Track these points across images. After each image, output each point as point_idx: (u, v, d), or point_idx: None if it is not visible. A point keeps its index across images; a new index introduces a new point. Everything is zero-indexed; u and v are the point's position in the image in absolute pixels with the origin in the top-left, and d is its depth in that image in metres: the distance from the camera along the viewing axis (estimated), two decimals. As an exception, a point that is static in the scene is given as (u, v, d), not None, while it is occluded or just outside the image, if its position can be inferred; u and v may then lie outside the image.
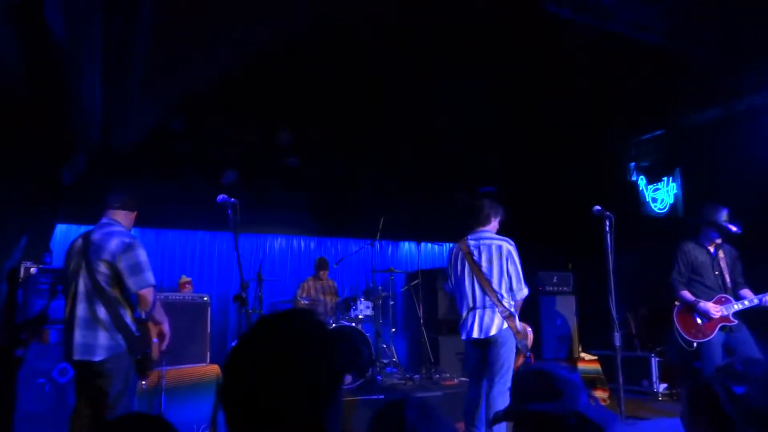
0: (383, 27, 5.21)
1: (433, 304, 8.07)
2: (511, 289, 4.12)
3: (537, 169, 8.37)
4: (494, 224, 4.35)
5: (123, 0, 3.76)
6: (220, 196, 3.81)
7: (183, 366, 5.03)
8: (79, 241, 3.51)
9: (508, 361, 3.97)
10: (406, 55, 5.74)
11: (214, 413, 4.97)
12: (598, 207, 4.07)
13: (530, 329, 4.25)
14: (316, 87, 6.30)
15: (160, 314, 3.54)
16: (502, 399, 3.74)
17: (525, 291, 4.17)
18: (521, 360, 4.04)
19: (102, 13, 3.79)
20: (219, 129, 7.00)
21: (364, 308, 6.95)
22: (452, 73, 6.08)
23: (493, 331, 4.00)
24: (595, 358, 6.69)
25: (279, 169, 7.52)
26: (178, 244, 7.92)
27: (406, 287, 8.21)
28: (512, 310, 4.11)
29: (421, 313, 7.60)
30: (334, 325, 6.64)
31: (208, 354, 5.35)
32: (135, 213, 3.75)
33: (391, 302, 7.58)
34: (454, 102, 6.62)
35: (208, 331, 5.44)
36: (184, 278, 6.83)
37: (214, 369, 5.19)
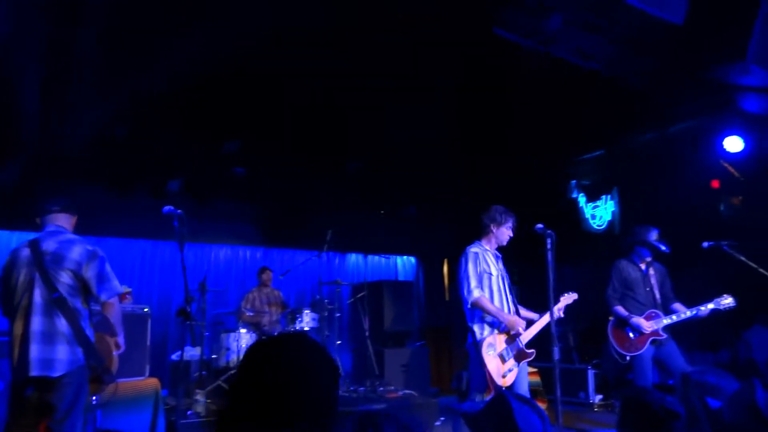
0: (331, 40, 5.25)
1: (379, 317, 8.12)
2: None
3: (482, 185, 8.58)
4: (491, 233, 4.45)
5: (65, 5, 3.67)
6: (166, 207, 3.73)
7: (120, 380, 4.88)
8: (26, 251, 3.30)
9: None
10: (354, 69, 5.80)
11: (152, 428, 4.84)
12: (540, 225, 4.21)
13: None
14: (264, 97, 6.28)
15: (119, 325, 3.43)
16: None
17: (468, 297, 4.27)
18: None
19: (44, 16, 3.68)
20: (164, 137, 6.86)
21: (309, 320, 6.93)
22: (401, 90, 6.19)
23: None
24: (535, 370, 6.89)
25: (225, 178, 7.42)
26: (117, 252, 7.68)
27: (352, 299, 8.23)
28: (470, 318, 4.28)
29: (366, 326, 7.64)
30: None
31: (148, 367, 5.21)
32: (76, 217, 3.63)
33: (338, 314, 7.57)
34: (402, 118, 6.72)
35: (148, 343, 5.30)
36: (124, 288, 6.62)
37: (154, 382, 5.06)
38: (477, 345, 4.21)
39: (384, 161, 8.09)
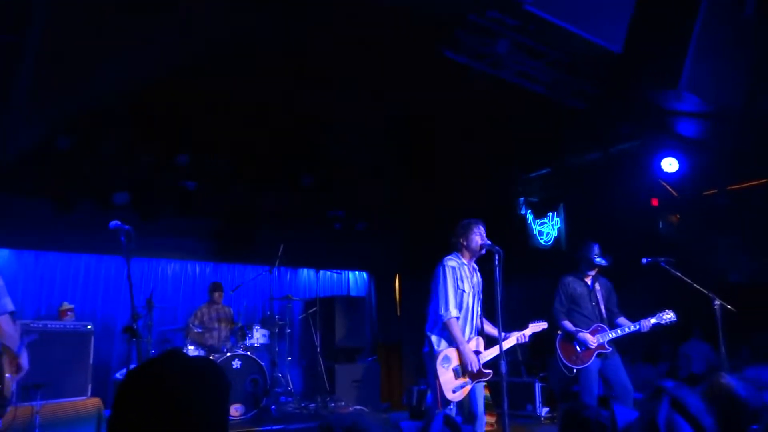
0: (284, 55, 5.29)
1: (330, 332, 8.09)
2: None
3: (434, 202, 8.72)
4: (463, 247, 4.46)
5: (7, 14, 3.57)
6: (113, 222, 3.64)
7: (61, 400, 4.71)
8: None
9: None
10: (307, 84, 5.84)
11: (94, 450, 4.68)
12: (488, 242, 4.32)
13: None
14: (215, 110, 6.23)
15: (17, 345, 3.26)
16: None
17: (444, 315, 4.25)
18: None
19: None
20: (109, 149, 6.70)
21: (259, 336, 6.85)
22: (353, 106, 6.26)
23: None
24: (485, 384, 7.01)
25: (175, 192, 7.29)
26: (59, 267, 7.39)
27: (304, 315, 8.18)
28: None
29: (318, 341, 7.60)
30: (228, 353, 6.49)
31: (90, 387, 5.04)
32: None
33: (288, 330, 7.51)
34: (353, 134, 6.80)
35: (91, 362, 5.13)
36: (66, 305, 6.41)
37: (96, 402, 4.91)
38: (432, 355, 4.24)
39: (336, 176, 8.13)
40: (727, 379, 2.46)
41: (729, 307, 4.97)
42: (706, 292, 5.04)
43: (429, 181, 8.57)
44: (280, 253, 7.10)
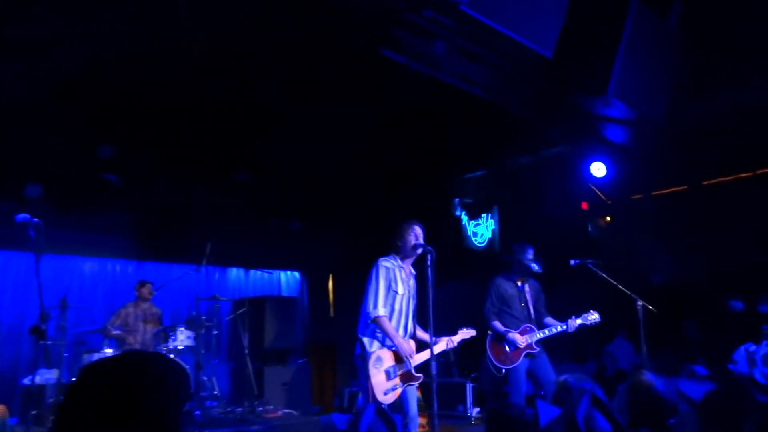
0: (216, 48, 5.19)
1: (260, 334, 7.99)
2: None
3: (369, 202, 8.78)
4: (399, 248, 4.46)
5: None
6: (20, 215, 3.46)
7: (-40, 408, 4.43)
8: None
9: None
10: (240, 79, 5.76)
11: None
12: (421, 242, 4.39)
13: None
14: (141, 100, 6.03)
15: None
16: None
17: (371, 312, 4.28)
18: None
19: None
20: (21, 138, 6.36)
21: (184, 338, 6.68)
22: (288, 103, 6.22)
23: None
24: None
25: (94, 185, 6.99)
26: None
27: (232, 315, 8.04)
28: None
29: (246, 343, 7.49)
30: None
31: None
32: None
33: (215, 331, 7.37)
34: (288, 130, 6.75)
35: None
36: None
37: (1, 410, 4.64)
38: (365, 357, 4.26)
39: (268, 173, 8.04)
40: (647, 377, 2.63)
41: (650, 308, 5.26)
42: (629, 293, 5.32)
43: (365, 180, 8.61)
44: (207, 252, 6.95)
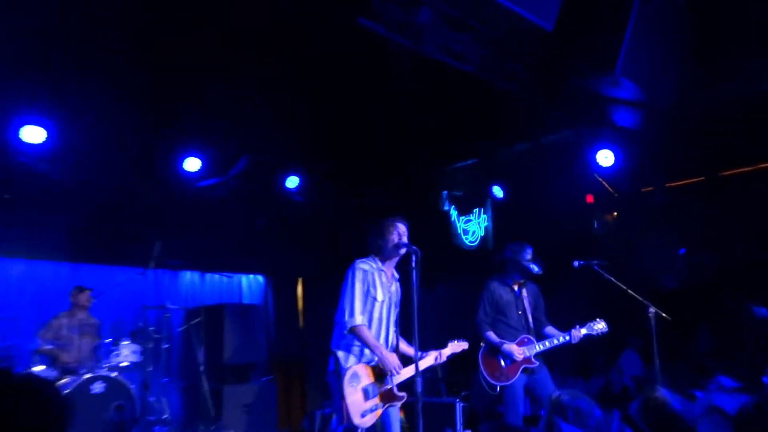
0: (169, 22, 5.18)
1: (217, 347, 7.96)
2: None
3: (345, 195, 8.77)
4: (379, 248, 4.46)
5: None
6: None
7: None
8: None
9: None
10: (205, 56, 5.75)
11: None
12: (405, 241, 4.41)
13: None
14: (75, 72, 5.97)
15: None
16: None
17: (348, 321, 4.27)
18: None
19: None
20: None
21: (129, 353, 6.65)
22: (254, 80, 6.20)
23: None
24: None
25: (21, 178, 6.87)
26: None
27: (185, 326, 8.00)
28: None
29: (202, 358, 7.46)
30: (87, 375, 6.24)
31: None
32: None
33: (166, 345, 7.31)
34: (254, 114, 6.73)
35: None
36: None
37: None
38: (339, 374, 4.26)
39: (229, 163, 8.01)
40: (662, 393, 2.68)
41: (664, 315, 5.35)
42: (640, 298, 5.40)
43: (339, 171, 8.61)
44: (156, 252, 6.89)
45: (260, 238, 8.98)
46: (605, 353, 8.72)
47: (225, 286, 9.49)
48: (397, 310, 4.55)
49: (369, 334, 4.29)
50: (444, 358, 4.73)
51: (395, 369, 4.25)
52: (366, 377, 4.28)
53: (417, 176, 9.25)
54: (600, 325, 5.40)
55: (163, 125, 7.19)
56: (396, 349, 4.47)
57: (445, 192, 9.74)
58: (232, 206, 8.37)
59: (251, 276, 9.94)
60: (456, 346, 4.84)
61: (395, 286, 4.60)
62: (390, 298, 4.51)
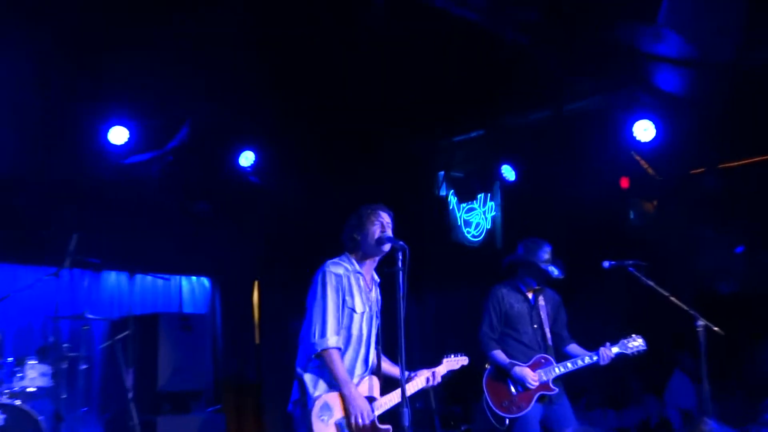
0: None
1: (150, 368, 7.93)
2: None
3: (315, 174, 8.74)
4: (357, 245, 4.40)
5: None
6: None
7: None
8: None
9: None
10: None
11: None
12: (389, 235, 4.36)
13: None
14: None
15: None
16: None
17: (317, 343, 4.22)
18: None
19: None
20: None
21: (36, 375, 6.59)
22: (201, 29, 6.18)
23: None
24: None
25: None
26: None
27: (109, 342, 7.94)
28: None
29: (130, 383, 7.41)
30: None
31: None
32: None
33: (84, 366, 7.25)
34: (198, 73, 6.71)
35: None
36: None
37: None
38: (305, 403, 4.25)
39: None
40: (710, 427, 2.69)
41: (716, 329, 5.35)
42: (686, 308, 5.40)
43: (307, 146, 8.56)
44: (72, 247, 6.83)
45: (206, 231, 8.95)
46: (643, 378, 8.76)
47: (160, 290, 9.47)
48: (379, 322, 4.53)
49: (340, 365, 4.25)
50: (439, 379, 4.71)
51: (362, 415, 4.23)
52: (340, 409, 4.26)
53: (405, 153, 9.22)
54: (636, 342, 5.41)
55: (82, 86, 7.13)
56: (377, 370, 4.45)
57: (442, 173, 9.71)
58: (170, 189, 8.31)
59: (194, 278, 9.93)
60: (453, 362, 4.82)
61: (376, 293, 4.58)
62: (370, 308, 4.48)
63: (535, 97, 8.26)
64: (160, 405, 7.88)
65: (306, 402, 4.26)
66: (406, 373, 4.13)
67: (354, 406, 4.21)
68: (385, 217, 4.48)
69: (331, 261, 4.45)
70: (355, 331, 4.39)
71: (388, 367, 4.51)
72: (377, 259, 4.53)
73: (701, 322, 5.33)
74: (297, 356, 4.41)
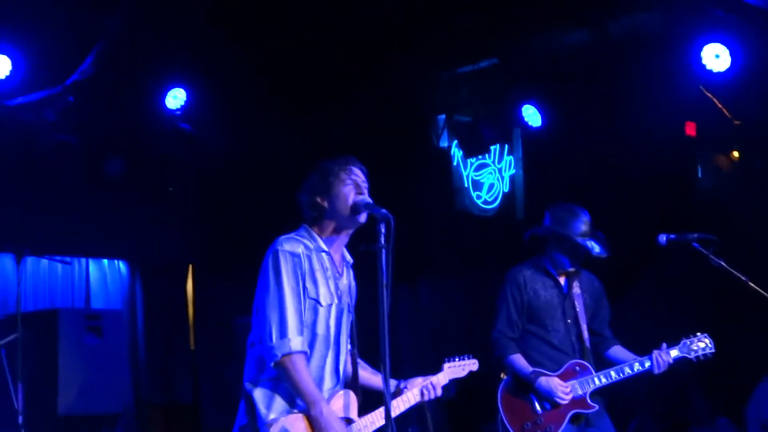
0: None
1: (48, 385, 7.99)
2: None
3: (274, 117, 8.77)
4: (321, 213, 4.35)
5: None
6: None
7: None
8: None
9: None
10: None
11: None
12: (369, 200, 4.31)
13: None
14: None
15: None
16: None
17: (275, 348, 4.19)
18: None
19: None
20: None
21: None
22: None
23: None
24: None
25: None
26: None
27: (-9, 349, 8.02)
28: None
29: (20, 403, 7.49)
30: None
31: None
32: None
33: (-44, 380, 7.35)
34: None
35: None
36: None
37: None
38: (256, 429, 4.27)
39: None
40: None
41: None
42: (768, 296, 5.48)
43: (257, 81, 8.59)
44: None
45: (120, 198, 8.95)
46: (712, 392, 8.84)
47: (60, 278, 9.53)
48: (352, 317, 4.54)
49: (307, 376, 4.23)
50: (439, 391, 4.71)
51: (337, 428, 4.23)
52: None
53: (391, 90, 9.23)
54: (702, 344, 5.46)
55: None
56: (353, 382, 4.47)
57: (442, 117, 9.73)
58: (70, 141, 8.34)
59: (105, 262, 9.96)
60: (458, 369, 4.79)
61: (348, 278, 4.58)
62: (340, 299, 4.46)
63: (569, 13, 8.29)
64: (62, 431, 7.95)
65: (257, 428, 4.30)
66: (393, 383, 4.15)
67: (325, 424, 4.23)
68: (359, 175, 4.43)
69: (285, 237, 4.37)
70: (320, 330, 4.34)
71: (368, 377, 4.51)
72: (350, 232, 4.49)
73: (788, 316, 5.43)
74: (244, 366, 4.43)
